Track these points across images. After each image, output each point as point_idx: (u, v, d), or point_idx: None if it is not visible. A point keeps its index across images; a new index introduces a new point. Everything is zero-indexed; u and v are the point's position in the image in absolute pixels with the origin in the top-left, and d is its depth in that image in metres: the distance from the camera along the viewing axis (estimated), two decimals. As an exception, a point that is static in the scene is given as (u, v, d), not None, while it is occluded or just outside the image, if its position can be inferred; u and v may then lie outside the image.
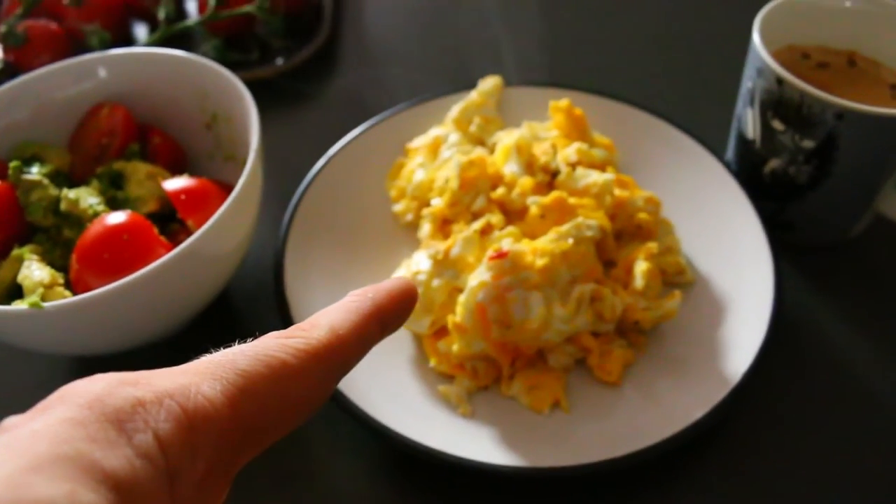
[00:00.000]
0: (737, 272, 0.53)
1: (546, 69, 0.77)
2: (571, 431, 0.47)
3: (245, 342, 0.26)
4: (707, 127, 0.63)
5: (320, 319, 0.28)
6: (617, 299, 0.49)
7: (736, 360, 0.48)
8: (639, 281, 0.50)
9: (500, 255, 0.47)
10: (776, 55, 0.58)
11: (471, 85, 0.65)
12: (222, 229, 0.48)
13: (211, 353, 0.25)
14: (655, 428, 0.45)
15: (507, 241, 0.49)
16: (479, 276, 0.47)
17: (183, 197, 0.51)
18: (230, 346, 0.26)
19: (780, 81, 0.53)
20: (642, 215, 0.53)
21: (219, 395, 0.23)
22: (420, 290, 0.50)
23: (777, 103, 0.54)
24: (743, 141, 0.59)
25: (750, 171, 0.58)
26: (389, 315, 0.30)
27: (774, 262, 0.52)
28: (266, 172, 0.64)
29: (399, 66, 0.79)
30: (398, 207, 0.59)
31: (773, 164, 0.56)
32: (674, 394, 0.48)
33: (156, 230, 0.50)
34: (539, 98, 0.64)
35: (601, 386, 0.49)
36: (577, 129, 0.59)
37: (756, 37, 0.55)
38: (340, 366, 0.27)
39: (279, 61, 0.76)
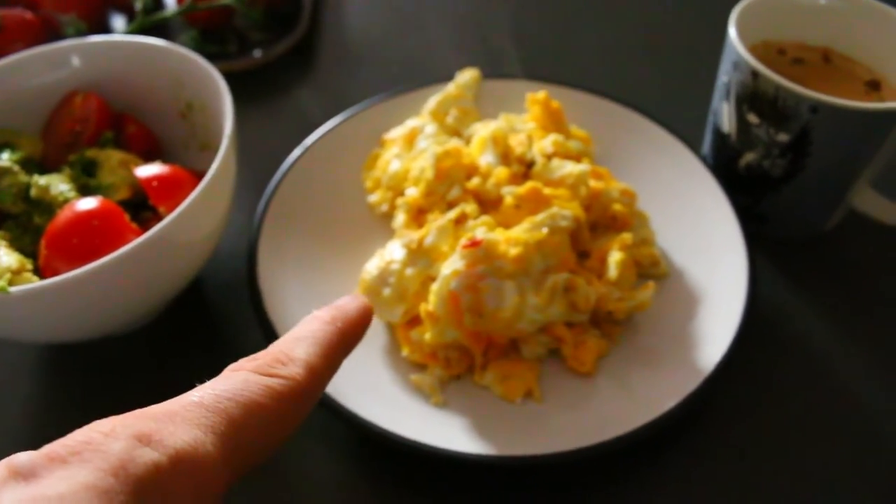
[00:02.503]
0: (711, 264, 0.53)
1: (524, 63, 0.77)
2: (544, 421, 0.47)
3: (223, 374, 0.28)
4: (684, 121, 0.63)
5: (295, 351, 0.30)
6: (591, 289, 0.49)
7: (708, 352, 0.48)
8: (612, 271, 0.50)
9: (474, 244, 0.47)
10: (752, 50, 0.58)
11: (449, 78, 0.65)
12: (193, 216, 0.47)
13: (196, 385, 0.27)
14: (628, 418, 0.45)
15: (481, 230, 0.49)
16: (452, 265, 0.47)
17: (155, 184, 0.51)
18: (208, 380, 0.28)
19: (755, 75, 0.53)
20: (617, 207, 0.53)
21: (219, 454, 0.25)
22: (393, 280, 0.49)
23: (752, 97, 0.54)
24: (719, 135, 0.59)
25: (725, 165, 0.59)
26: (352, 342, 0.33)
27: (748, 254, 0.52)
28: (243, 163, 0.63)
29: (378, 60, 0.78)
30: (373, 198, 0.58)
31: (748, 157, 0.56)
32: (647, 384, 0.48)
33: (127, 217, 0.49)
34: (516, 91, 0.64)
35: (574, 376, 0.49)
36: (553, 122, 0.59)
37: (732, 31, 0.55)
38: (314, 400, 0.30)
39: (257, 53, 0.76)
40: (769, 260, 0.58)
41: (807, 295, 0.56)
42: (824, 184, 0.55)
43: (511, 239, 0.48)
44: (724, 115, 0.57)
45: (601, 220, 0.54)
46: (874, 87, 0.58)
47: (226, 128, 0.51)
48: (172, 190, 0.51)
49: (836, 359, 0.53)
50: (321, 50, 0.80)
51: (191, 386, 0.27)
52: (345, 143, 0.61)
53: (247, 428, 0.26)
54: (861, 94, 0.57)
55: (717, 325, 0.50)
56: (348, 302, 0.34)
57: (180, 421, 0.25)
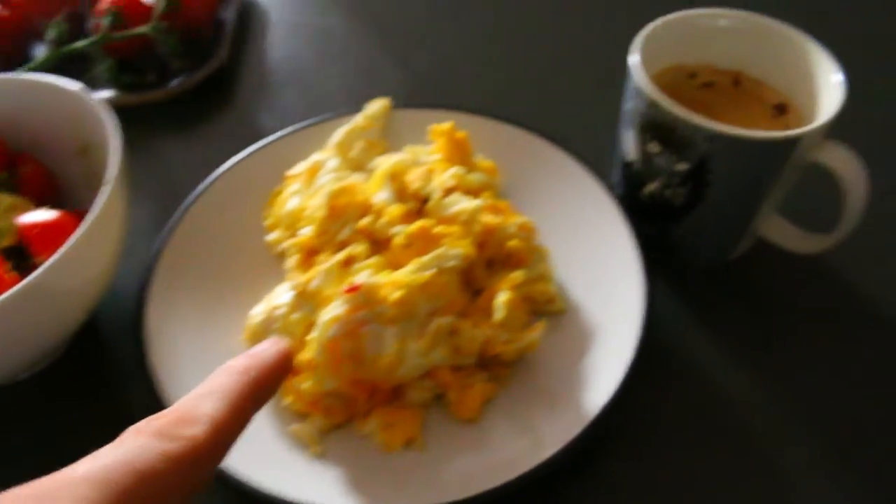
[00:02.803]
0: (609, 298, 0.52)
1: (441, 91, 0.76)
2: (428, 470, 0.45)
3: (120, 437, 0.27)
4: (599, 149, 0.62)
5: (200, 409, 0.28)
6: (477, 332, 0.47)
7: (600, 388, 0.47)
8: (499, 313, 0.48)
9: (353, 289, 0.45)
10: (661, 74, 0.58)
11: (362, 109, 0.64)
12: (70, 264, 0.46)
13: (91, 452, 0.26)
14: (515, 463, 0.44)
15: (365, 273, 0.48)
16: (332, 311, 0.46)
17: (35, 232, 0.50)
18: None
19: (653, 104, 0.52)
20: (513, 242, 0.52)
21: None
22: (278, 325, 0.48)
23: (652, 125, 0.53)
24: (624, 163, 0.58)
25: (631, 194, 0.58)
26: (267, 391, 0.31)
27: (646, 285, 0.51)
28: (157, 196, 0.62)
29: (297, 91, 0.77)
30: (272, 237, 0.57)
31: (651, 186, 0.55)
32: (535, 427, 0.47)
33: (5, 266, 0.48)
34: (428, 120, 0.62)
35: (462, 421, 0.48)
36: (459, 153, 0.58)
37: (632, 57, 0.54)
38: (220, 458, 0.28)
39: (175, 83, 0.74)
40: (673, 290, 0.57)
41: (709, 325, 0.55)
42: (726, 212, 0.54)
43: (395, 282, 0.47)
44: (629, 143, 0.56)
45: (497, 257, 0.53)
46: (781, 110, 0.57)
47: (111, 171, 0.50)
48: (55, 238, 0.49)
49: (741, 388, 0.52)
50: (242, 78, 0.79)
51: (84, 438, 0.27)
52: (250, 179, 0.60)
53: (139, 497, 0.25)
54: (768, 118, 0.56)
55: (611, 360, 0.48)
56: (265, 349, 0.32)
57: (64, 497, 0.24)
